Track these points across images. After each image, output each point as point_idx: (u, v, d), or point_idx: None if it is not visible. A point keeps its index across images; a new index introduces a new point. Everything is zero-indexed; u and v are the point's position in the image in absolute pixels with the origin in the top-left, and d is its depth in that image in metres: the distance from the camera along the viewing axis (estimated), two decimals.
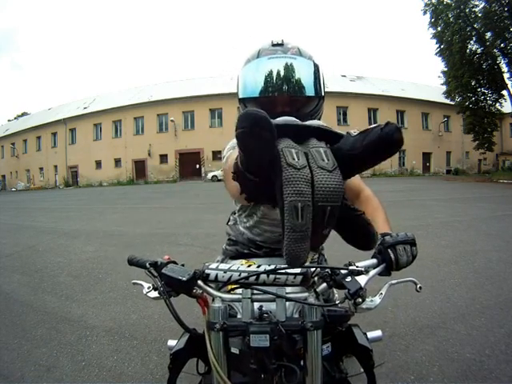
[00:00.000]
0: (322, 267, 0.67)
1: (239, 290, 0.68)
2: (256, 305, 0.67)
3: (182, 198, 11.13)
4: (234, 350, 0.67)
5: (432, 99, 24.26)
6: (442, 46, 18.65)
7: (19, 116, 40.52)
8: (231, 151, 0.78)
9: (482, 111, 19.25)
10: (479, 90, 19.18)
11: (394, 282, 0.66)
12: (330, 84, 23.47)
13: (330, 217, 0.32)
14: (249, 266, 0.69)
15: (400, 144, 0.35)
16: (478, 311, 2.15)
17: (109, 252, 4.06)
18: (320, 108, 0.82)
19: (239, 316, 0.70)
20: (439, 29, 18.29)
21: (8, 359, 1.78)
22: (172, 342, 0.81)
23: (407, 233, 0.67)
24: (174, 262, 0.68)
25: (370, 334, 0.81)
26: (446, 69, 19.52)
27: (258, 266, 0.68)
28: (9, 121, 40.88)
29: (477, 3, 16.87)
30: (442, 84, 20.51)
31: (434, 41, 18.92)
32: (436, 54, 19.27)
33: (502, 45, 17.04)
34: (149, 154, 24.08)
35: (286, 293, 0.65)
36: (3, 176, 31.99)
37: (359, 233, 0.47)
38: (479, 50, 18.15)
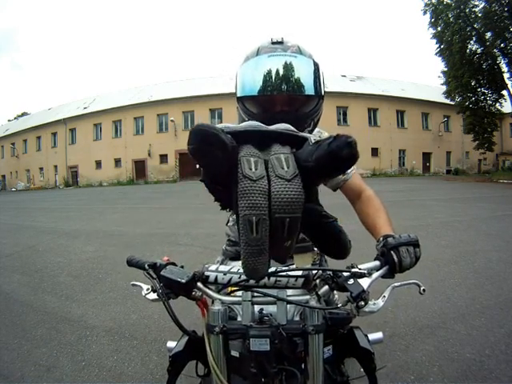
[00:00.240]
0: (323, 269, 0.65)
1: (239, 293, 0.67)
2: (256, 307, 0.66)
3: (182, 198, 11.12)
4: (234, 353, 0.66)
5: (432, 99, 24.23)
6: (442, 46, 18.63)
7: (19, 116, 40.49)
8: None
9: (482, 111, 19.23)
10: (479, 90, 19.17)
11: (397, 284, 0.64)
12: (330, 84, 23.46)
13: (290, 228, 0.30)
14: None
15: (351, 160, 0.32)
16: (478, 311, 2.15)
17: (109, 252, 4.06)
18: (320, 108, 0.81)
19: (239, 319, 0.69)
20: (439, 29, 18.28)
21: (8, 359, 1.78)
22: (171, 344, 0.80)
23: (410, 234, 0.65)
24: (174, 264, 0.67)
25: (371, 336, 0.80)
26: (446, 69, 19.51)
27: None
28: (9, 121, 40.85)
29: (477, 3, 16.88)
30: (442, 84, 20.51)
31: (434, 41, 18.93)
32: (436, 54, 19.27)
33: (502, 45, 17.03)
34: (149, 154, 24.06)
35: (287, 295, 0.64)
36: (3, 176, 31.97)
37: (331, 241, 0.46)
38: (479, 50, 18.13)
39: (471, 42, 18.07)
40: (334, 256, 0.49)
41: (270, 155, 0.31)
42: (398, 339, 1.84)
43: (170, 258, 0.68)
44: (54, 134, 27.90)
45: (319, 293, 0.62)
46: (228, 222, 1.20)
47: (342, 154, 0.31)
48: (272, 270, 0.64)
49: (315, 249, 0.86)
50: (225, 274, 0.65)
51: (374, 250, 0.70)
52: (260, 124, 0.34)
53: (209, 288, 0.67)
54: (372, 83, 25.38)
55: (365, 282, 0.60)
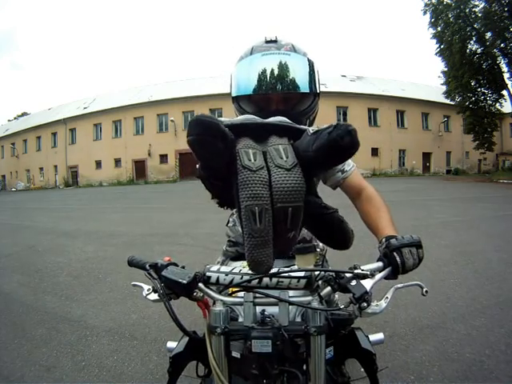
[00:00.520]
0: (326, 271, 0.65)
1: (241, 293, 0.66)
2: (258, 308, 0.65)
3: (182, 198, 11.12)
4: (235, 354, 0.66)
5: (432, 99, 24.21)
6: (442, 46, 18.64)
7: (19, 116, 40.48)
8: None
9: (482, 111, 19.24)
10: (479, 89, 19.17)
11: (399, 285, 0.64)
12: (330, 84, 23.47)
13: (293, 218, 0.30)
14: None
15: (352, 149, 0.31)
16: (478, 311, 2.14)
17: (109, 252, 4.06)
18: (315, 105, 0.79)
19: (241, 319, 0.69)
20: (439, 29, 18.28)
21: (8, 359, 1.78)
22: (171, 344, 0.79)
23: (412, 235, 0.65)
24: (175, 264, 0.66)
25: (372, 337, 0.80)
26: (446, 69, 19.52)
27: None
28: (9, 121, 40.85)
29: (477, 3, 16.89)
30: (442, 84, 20.51)
31: (434, 41, 18.94)
32: (436, 54, 19.28)
33: (502, 45, 17.03)
34: (149, 154, 24.06)
35: (289, 296, 0.64)
36: (3, 176, 31.96)
37: (333, 232, 0.45)
38: (479, 50, 18.14)
39: (471, 42, 18.08)
40: (337, 247, 0.48)
41: (267, 146, 0.31)
42: (398, 339, 1.84)
43: (171, 259, 0.68)
44: (54, 134, 27.89)
45: (321, 294, 0.62)
46: (228, 222, 1.20)
47: (342, 142, 0.31)
48: (274, 270, 0.63)
49: (317, 250, 0.85)
50: (226, 275, 0.65)
51: (374, 248, 0.70)
52: (255, 117, 0.34)
53: (210, 289, 0.66)
54: (372, 83, 25.37)
55: (367, 284, 0.59)
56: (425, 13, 18.34)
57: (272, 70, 0.71)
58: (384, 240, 0.68)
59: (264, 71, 0.72)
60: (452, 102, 20.52)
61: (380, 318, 2.03)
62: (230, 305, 0.67)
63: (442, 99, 21.77)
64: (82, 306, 2.47)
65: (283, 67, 0.72)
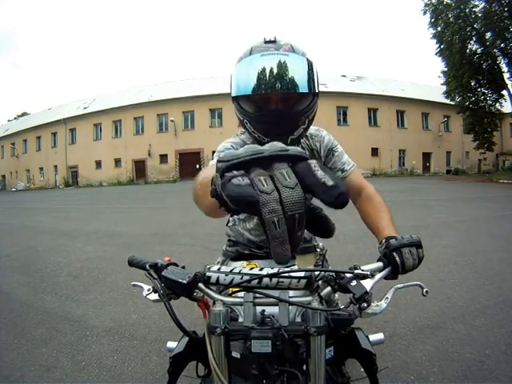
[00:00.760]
0: (326, 271, 0.65)
1: (241, 293, 0.66)
2: (258, 309, 0.65)
3: (182, 198, 11.11)
4: (235, 354, 0.66)
5: (432, 99, 24.23)
6: (442, 46, 18.64)
7: (19, 116, 40.51)
8: (211, 164, 0.79)
9: (482, 111, 19.24)
10: (479, 89, 19.18)
11: (400, 286, 0.64)
12: (330, 84, 23.47)
13: (299, 221, 0.38)
14: (251, 268, 0.67)
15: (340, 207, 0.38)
16: (478, 311, 2.14)
17: (109, 252, 4.06)
18: (314, 105, 0.80)
19: (241, 319, 0.69)
20: (439, 29, 18.29)
21: (8, 359, 1.77)
22: (171, 344, 0.79)
23: (412, 235, 0.66)
24: (175, 264, 0.66)
25: (372, 337, 0.80)
26: (446, 69, 19.51)
27: (261, 269, 0.66)
28: (9, 121, 40.86)
29: (477, 3, 16.89)
30: (442, 84, 20.51)
31: (434, 41, 18.94)
32: (436, 54, 19.28)
33: (502, 45, 17.03)
34: (149, 154, 24.06)
35: (289, 296, 0.64)
36: (3, 176, 31.96)
37: (320, 226, 0.50)
38: (479, 50, 18.14)
39: (471, 42, 18.09)
40: (323, 236, 0.53)
41: (273, 171, 0.39)
42: (398, 339, 1.84)
43: (171, 259, 0.68)
44: (54, 134, 27.90)
45: (321, 294, 0.62)
46: (228, 222, 1.19)
47: (331, 204, 0.38)
48: (274, 271, 0.64)
49: (317, 250, 0.87)
50: (226, 275, 0.64)
51: (373, 248, 0.70)
52: (258, 147, 0.40)
53: (210, 289, 0.66)
54: (372, 83, 25.38)
55: (367, 284, 0.60)
56: (425, 13, 18.35)
57: (271, 70, 0.72)
58: (384, 240, 0.68)
59: (263, 71, 0.72)
60: (452, 102, 20.53)
61: (380, 318, 2.04)
62: (230, 305, 0.67)
63: (442, 99, 21.78)
64: (81, 306, 2.47)
65: (282, 67, 0.72)
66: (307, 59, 0.76)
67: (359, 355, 0.72)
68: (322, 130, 0.98)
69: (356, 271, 0.61)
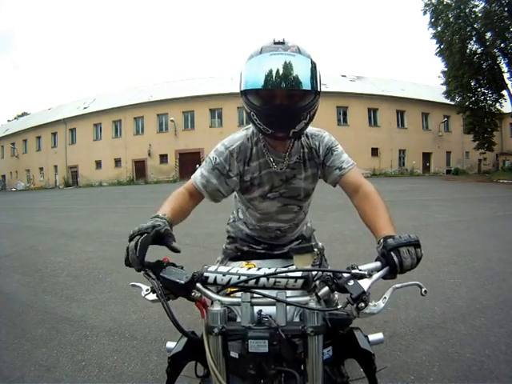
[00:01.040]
0: (323, 271, 0.65)
1: (239, 293, 0.67)
2: (256, 309, 0.65)
3: None
4: (234, 354, 0.66)
5: (432, 99, 24.21)
6: (442, 46, 18.63)
7: (19, 116, 40.49)
8: (198, 171, 0.95)
9: (482, 111, 19.23)
10: (479, 89, 19.17)
11: (398, 285, 0.64)
12: (330, 84, 23.44)
13: None
14: (249, 268, 0.68)
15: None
16: (478, 311, 2.14)
17: (109, 252, 4.06)
18: (316, 102, 0.85)
19: (239, 319, 0.69)
20: (439, 29, 18.28)
21: (8, 359, 1.77)
22: (171, 344, 0.80)
23: (410, 234, 0.65)
24: (173, 264, 0.66)
25: (372, 337, 0.80)
26: (446, 69, 19.51)
27: (258, 269, 0.66)
28: (9, 121, 40.85)
29: (477, 3, 16.89)
30: (442, 84, 20.50)
31: (434, 41, 18.93)
32: (436, 54, 19.28)
33: (502, 45, 17.03)
34: (149, 154, 24.05)
35: (287, 296, 0.64)
36: (3, 176, 31.95)
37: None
38: (479, 50, 18.14)
39: (471, 42, 18.09)
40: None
41: None
42: (398, 339, 1.84)
43: (170, 259, 0.68)
44: (54, 134, 27.88)
45: (319, 294, 0.62)
46: (229, 220, 1.24)
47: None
48: (271, 270, 0.64)
49: (315, 250, 0.87)
50: (224, 275, 0.65)
51: (372, 248, 0.69)
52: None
53: (208, 289, 0.66)
54: (372, 83, 25.36)
55: (365, 283, 0.60)
56: (425, 13, 18.35)
57: (278, 69, 0.77)
58: (382, 240, 0.68)
59: (271, 69, 0.77)
60: (452, 102, 20.52)
61: (380, 318, 2.03)
62: (228, 305, 0.68)
63: (442, 99, 21.77)
64: (81, 305, 2.47)
65: (288, 66, 0.77)
66: (311, 60, 0.81)
67: (358, 355, 0.72)
68: (324, 131, 1.01)
69: (353, 271, 0.61)
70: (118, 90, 28.81)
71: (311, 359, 0.63)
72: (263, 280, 0.63)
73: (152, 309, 2.32)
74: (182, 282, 0.61)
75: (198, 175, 0.95)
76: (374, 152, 23.38)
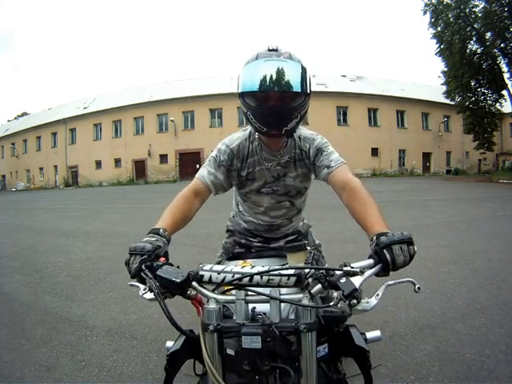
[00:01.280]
0: (316, 268, 0.66)
1: (234, 291, 0.68)
2: (250, 306, 0.67)
3: None
4: (230, 352, 0.67)
5: (432, 99, 24.20)
6: (442, 46, 18.62)
7: (19, 116, 40.49)
8: (203, 169, 1.02)
9: (482, 111, 19.22)
10: (479, 89, 19.16)
11: (391, 282, 0.65)
12: (330, 84, 23.45)
13: None
14: (243, 267, 0.70)
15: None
16: (477, 311, 2.14)
17: (109, 252, 4.06)
18: (306, 103, 0.92)
19: (235, 317, 0.71)
20: (439, 29, 18.27)
21: (8, 359, 1.78)
22: (170, 344, 0.81)
23: (403, 232, 0.66)
24: (170, 264, 0.68)
25: (369, 335, 0.81)
26: (446, 69, 19.50)
27: (252, 267, 0.68)
28: (9, 121, 40.83)
29: (477, 3, 16.88)
30: (442, 84, 20.49)
31: (434, 41, 18.92)
32: (436, 54, 19.26)
33: (502, 45, 17.02)
34: (149, 154, 24.05)
35: (281, 294, 0.65)
36: (3, 176, 31.95)
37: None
38: (479, 50, 18.13)
39: (471, 42, 18.07)
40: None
41: None
42: (398, 339, 1.84)
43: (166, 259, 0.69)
44: (54, 134, 27.88)
45: (312, 291, 0.64)
46: (230, 215, 1.32)
47: None
48: (265, 268, 0.65)
49: (308, 248, 0.92)
50: (219, 274, 0.67)
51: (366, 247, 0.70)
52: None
53: (204, 287, 0.68)
54: (372, 83, 25.36)
55: (357, 281, 0.60)
56: (425, 13, 18.33)
57: (272, 73, 0.86)
58: (375, 237, 0.69)
59: (266, 74, 0.86)
60: (452, 102, 20.51)
61: (380, 318, 2.04)
62: (223, 303, 0.69)
63: (442, 99, 21.76)
64: (81, 305, 2.47)
65: (281, 71, 0.86)
66: (302, 65, 0.89)
67: (353, 352, 0.72)
68: (317, 134, 1.08)
69: (345, 268, 0.62)
70: (118, 90, 28.83)
71: (305, 356, 0.64)
72: (257, 278, 0.65)
73: (152, 309, 2.32)
74: (178, 280, 0.62)
75: (205, 173, 1.01)
76: (374, 152, 23.39)
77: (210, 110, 23.32)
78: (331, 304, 0.62)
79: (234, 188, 1.16)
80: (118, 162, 25.32)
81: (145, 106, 24.23)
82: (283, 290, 0.67)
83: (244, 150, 1.05)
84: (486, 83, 18.79)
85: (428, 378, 1.50)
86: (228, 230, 1.28)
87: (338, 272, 0.62)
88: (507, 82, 18.02)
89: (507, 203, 7.69)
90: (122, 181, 24.45)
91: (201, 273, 0.67)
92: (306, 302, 0.63)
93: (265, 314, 0.66)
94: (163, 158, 24.01)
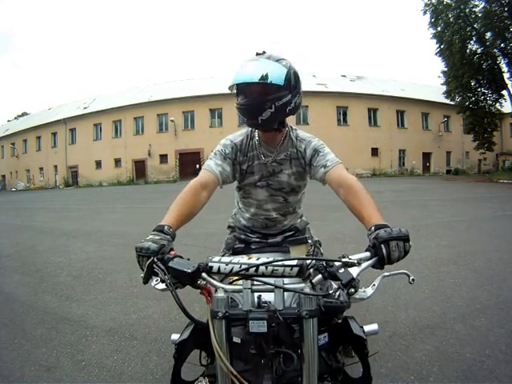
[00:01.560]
0: (316, 259, 0.73)
1: (240, 282, 0.74)
2: (256, 295, 0.73)
3: None
4: (236, 340, 0.72)
5: (432, 99, 24.20)
6: (442, 46, 18.61)
7: (19, 116, 40.47)
8: (210, 161, 1.07)
9: (482, 111, 19.22)
10: (479, 89, 19.15)
11: (386, 274, 0.70)
12: (330, 84, 23.45)
13: None
14: (249, 258, 0.74)
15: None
16: (477, 311, 2.14)
17: (108, 252, 4.07)
18: (282, 96, 0.98)
19: (240, 307, 0.76)
20: (439, 29, 18.26)
21: (8, 359, 1.77)
22: (175, 336, 0.86)
23: (401, 229, 0.70)
24: (180, 257, 0.72)
25: (367, 328, 0.85)
26: (445, 69, 19.49)
27: (258, 259, 0.72)
28: (9, 121, 40.82)
29: (477, 3, 16.86)
30: (442, 84, 20.48)
31: (434, 41, 18.91)
32: (436, 54, 19.25)
33: (502, 45, 17.01)
34: (149, 154, 24.04)
35: (284, 284, 0.71)
36: (3, 176, 31.94)
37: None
38: (479, 50, 18.12)
39: (471, 42, 18.05)
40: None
41: None
42: (398, 339, 1.84)
43: (176, 252, 0.74)
44: (54, 134, 27.87)
45: (313, 281, 0.70)
46: (232, 213, 1.37)
47: None
48: (270, 259, 0.70)
49: (309, 241, 1.01)
50: (227, 265, 0.71)
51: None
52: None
53: (212, 278, 0.74)
54: (372, 83, 25.36)
55: (354, 271, 0.66)
56: (425, 13, 18.32)
57: (247, 70, 0.98)
58: (373, 228, 0.74)
59: (242, 70, 0.99)
60: (452, 102, 20.50)
61: (380, 318, 2.03)
62: (231, 292, 0.75)
63: (442, 99, 21.75)
64: (82, 305, 2.47)
65: (254, 68, 0.97)
66: (282, 64, 0.99)
67: (352, 341, 0.78)
68: (314, 137, 1.15)
69: (344, 260, 0.67)
70: (118, 90, 28.82)
71: (307, 342, 0.69)
72: (262, 268, 0.70)
73: (152, 309, 2.33)
74: (189, 271, 0.67)
75: (213, 164, 1.06)
76: (374, 152, 23.39)
77: (210, 109, 23.32)
78: (331, 292, 0.69)
79: (234, 186, 1.23)
80: (117, 162, 25.31)
81: (145, 105, 24.23)
82: (286, 281, 0.72)
83: (245, 145, 1.13)
84: (486, 83, 18.79)
85: (428, 378, 1.50)
86: (229, 227, 1.33)
87: (336, 263, 0.67)
88: (507, 81, 18.02)
89: (507, 203, 7.69)
90: (121, 181, 24.45)
91: (210, 264, 0.72)
92: (307, 290, 0.69)
93: (270, 302, 0.71)
94: (163, 158, 24.00)
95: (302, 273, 0.69)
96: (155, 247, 0.72)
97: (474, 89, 18.96)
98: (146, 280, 0.71)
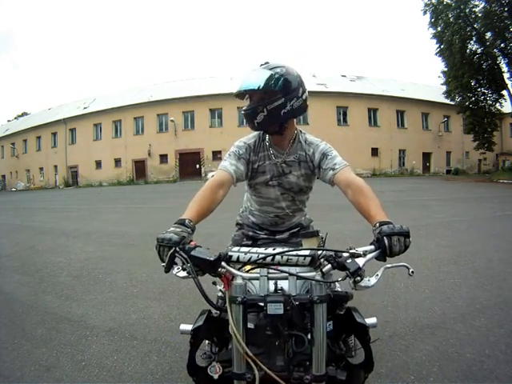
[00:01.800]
0: (326, 250, 0.80)
1: (256, 270, 0.83)
2: (271, 282, 0.80)
3: (182, 198, 11.08)
4: (250, 325, 0.79)
5: (432, 99, 24.19)
6: (442, 46, 18.61)
7: (19, 116, 40.47)
8: (224, 161, 1.15)
9: (482, 111, 19.22)
10: (479, 89, 19.15)
11: (388, 265, 0.79)
12: (330, 84, 23.46)
13: None
14: (265, 249, 0.82)
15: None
16: (477, 311, 2.15)
17: (108, 252, 4.07)
18: (274, 100, 1.06)
19: (255, 293, 0.83)
20: (439, 29, 18.26)
21: (8, 359, 1.77)
22: (184, 326, 0.92)
23: (403, 225, 0.78)
24: (200, 247, 0.77)
25: (367, 321, 0.89)
26: (445, 69, 19.49)
27: (274, 249, 0.81)
28: (9, 121, 40.82)
29: (477, 3, 16.87)
30: (442, 84, 20.48)
31: (434, 41, 18.91)
32: (436, 54, 19.26)
33: (502, 45, 17.01)
34: (149, 154, 24.04)
35: (297, 272, 0.79)
36: (3, 176, 31.94)
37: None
38: (479, 50, 18.12)
39: (471, 42, 18.06)
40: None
41: None
42: (398, 339, 1.84)
43: (196, 243, 0.79)
44: (54, 134, 27.87)
45: (323, 270, 0.77)
46: (240, 211, 1.43)
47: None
48: (285, 250, 0.79)
49: (320, 234, 1.08)
50: (245, 254, 0.80)
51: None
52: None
53: (231, 266, 0.80)
54: (372, 83, 25.35)
55: (360, 261, 0.73)
56: (425, 13, 18.32)
57: (244, 79, 1.09)
58: (378, 224, 0.81)
59: (241, 80, 1.10)
60: (452, 102, 20.50)
61: (380, 318, 2.03)
62: (248, 280, 0.82)
63: (442, 99, 21.75)
64: (82, 305, 2.47)
65: (249, 77, 1.08)
66: (273, 71, 1.06)
67: (355, 329, 0.84)
68: (321, 140, 1.22)
69: (351, 251, 0.74)
70: (118, 90, 28.82)
71: (317, 327, 0.75)
72: (278, 258, 0.78)
73: (152, 309, 2.33)
74: (212, 259, 0.73)
75: (227, 164, 1.13)
76: (374, 152, 23.39)
77: (210, 110, 23.32)
78: (339, 279, 0.77)
79: (245, 185, 1.30)
80: (117, 162, 25.31)
81: (145, 105, 24.22)
82: (298, 269, 0.80)
83: (257, 146, 1.21)
84: (486, 83, 18.79)
85: (428, 378, 1.50)
86: (237, 224, 1.39)
87: (344, 254, 0.74)
88: (507, 81, 18.02)
89: (507, 203, 7.69)
90: (121, 181, 24.45)
91: (230, 253, 0.80)
92: (318, 278, 0.76)
93: (284, 289, 0.78)
94: (163, 158, 24.00)
95: (313, 262, 0.78)
96: (177, 238, 0.78)
97: (474, 89, 18.96)
98: (168, 269, 0.75)
